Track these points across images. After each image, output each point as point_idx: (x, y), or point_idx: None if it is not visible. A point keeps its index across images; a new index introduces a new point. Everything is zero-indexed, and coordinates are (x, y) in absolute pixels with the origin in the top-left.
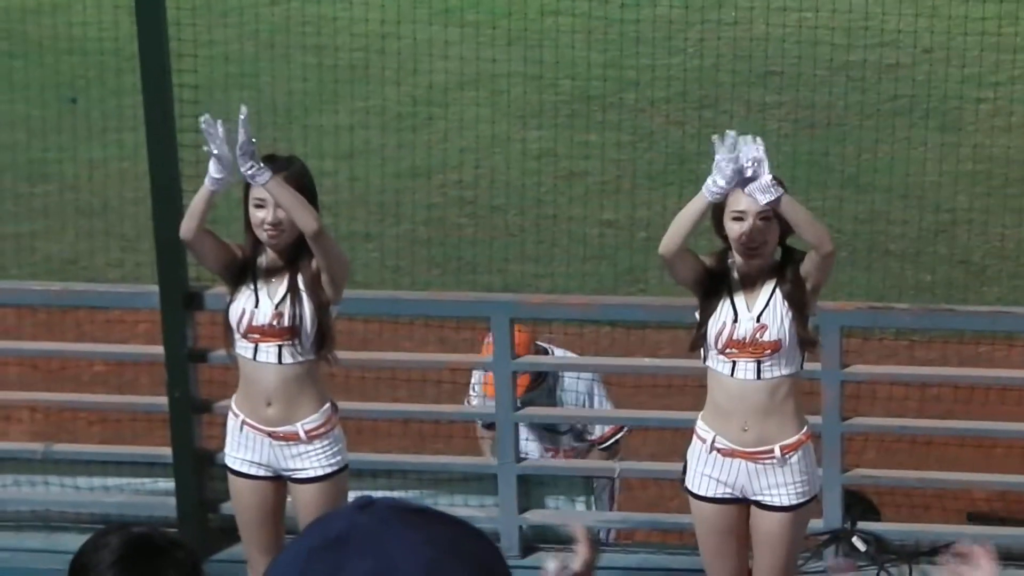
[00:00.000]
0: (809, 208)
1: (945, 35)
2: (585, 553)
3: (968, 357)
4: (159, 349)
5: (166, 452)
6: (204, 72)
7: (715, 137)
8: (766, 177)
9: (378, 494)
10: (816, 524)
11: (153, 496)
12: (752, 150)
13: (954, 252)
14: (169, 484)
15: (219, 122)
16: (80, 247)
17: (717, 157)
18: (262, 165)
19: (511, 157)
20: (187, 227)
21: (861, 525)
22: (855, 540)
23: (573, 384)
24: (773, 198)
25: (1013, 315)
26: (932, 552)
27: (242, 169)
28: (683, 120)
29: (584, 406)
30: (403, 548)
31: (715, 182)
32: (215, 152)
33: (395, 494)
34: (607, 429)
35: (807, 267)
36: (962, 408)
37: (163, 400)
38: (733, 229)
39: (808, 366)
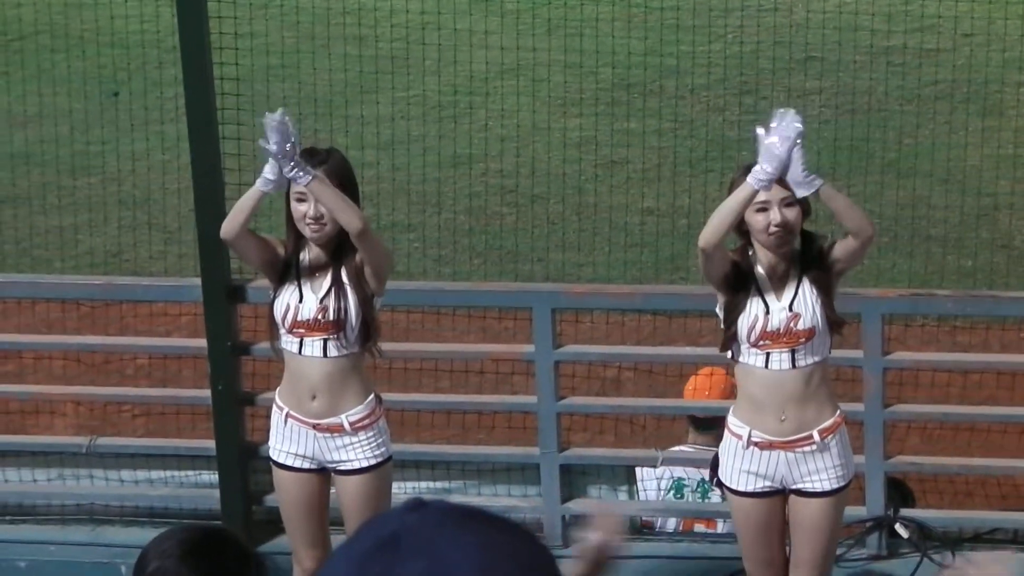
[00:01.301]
0: (850, 194)
1: (985, 19)
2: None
3: (1011, 342)
4: (202, 342)
5: (210, 445)
6: (244, 63)
7: (759, 129)
8: (799, 168)
9: (422, 485)
10: (859, 511)
11: (197, 489)
12: (794, 125)
13: (996, 237)
14: (213, 477)
15: (289, 120)
16: (123, 240)
17: (767, 141)
18: (303, 165)
19: (551, 146)
20: (230, 226)
21: (903, 512)
22: (898, 527)
23: None
24: (813, 190)
25: None
26: (975, 539)
27: (283, 171)
28: (723, 107)
29: None
30: (456, 550)
31: (763, 168)
32: (275, 152)
33: (438, 485)
34: None
35: (839, 252)
36: (1005, 394)
37: (206, 393)
38: (758, 221)
39: (851, 353)
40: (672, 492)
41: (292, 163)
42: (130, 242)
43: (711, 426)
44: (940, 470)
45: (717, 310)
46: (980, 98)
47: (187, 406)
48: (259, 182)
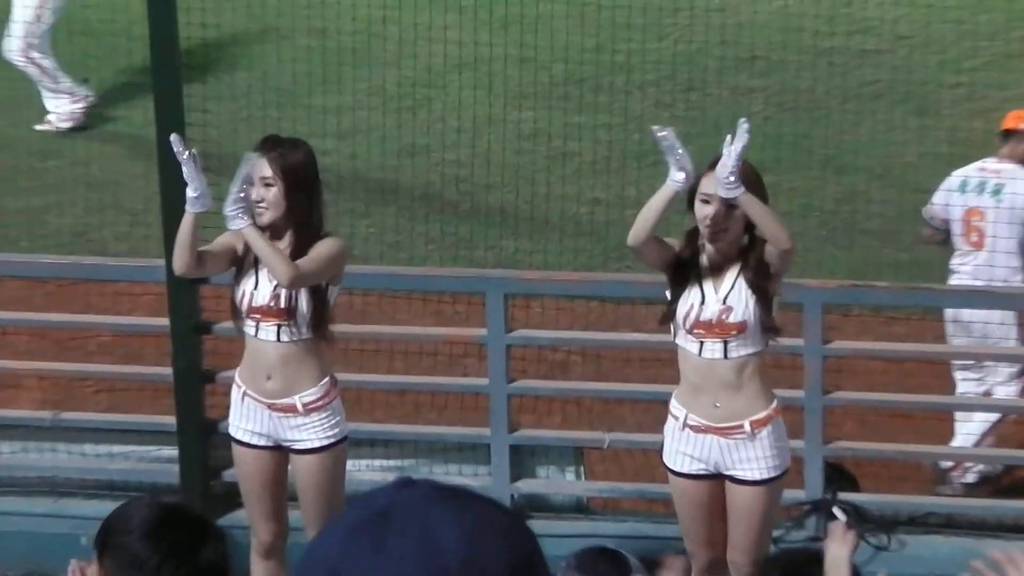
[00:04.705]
0: (790, 188)
1: (922, 23)
2: None
3: (942, 333)
4: (165, 321)
5: (170, 421)
6: (212, 55)
7: (657, 132)
8: (726, 170)
9: (375, 463)
10: (798, 494)
11: (157, 463)
12: (741, 137)
13: None
14: (173, 452)
15: (191, 149)
16: (89, 220)
17: (667, 157)
18: (244, 213)
19: (504, 137)
20: (180, 262)
21: (841, 496)
22: (835, 510)
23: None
24: (731, 195)
25: (988, 293)
26: (910, 522)
27: (226, 210)
28: (669, 103)
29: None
30: (445, 524)
31: (673, 176)
32: (189, 172)
33: (391, 463)
34: None
35: (770, 255)
36: (936, 382)
37: (168, 370)
38: (700, 210)
39: (792, 341)
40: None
41: (241, 205)
42: (96, 223)
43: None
44: (877, 455)
45: (666, 292)
46: (916, 98)
47: (149, 383)
48: (188, 204)
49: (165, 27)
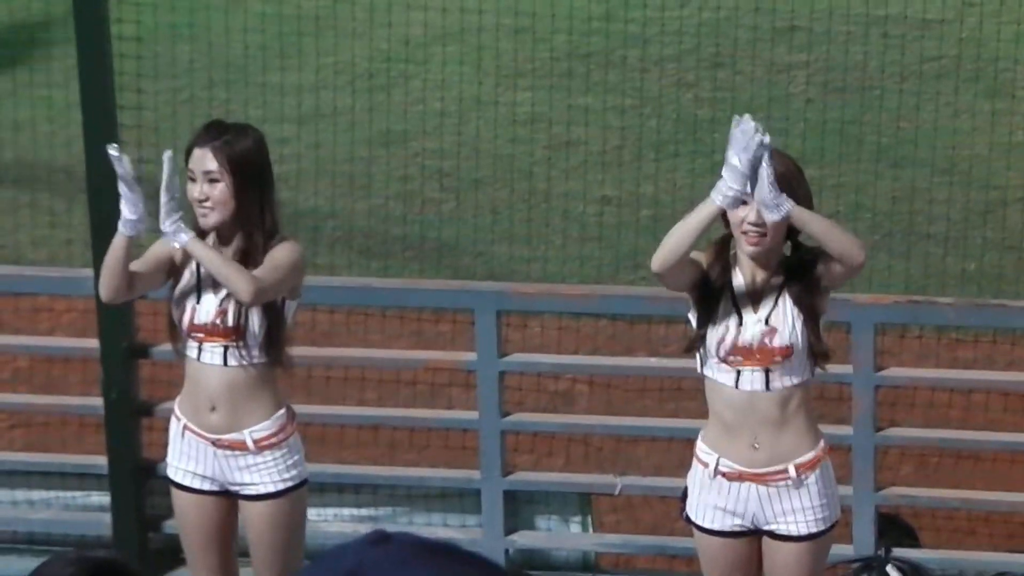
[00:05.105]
0: (837, 184)
1: None
2: None
3: (1019, 358)
4: (93, 342)
5: (101, 461)
6: (146, 21)
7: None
8: (766, 188)
9: (344, 511)
10: (845, 550)
11: (85, 512)
12: (756, 138)
13: (1004, 237)
14: (104, 498)
15: (126, 158)
16: (1, 223)
17: (728, 153)
18: (185, 224)
19: (496, 123)
20: (108, 288)
21: (897, 552)
22: (889, 569)
23: None
24: (782, 214)
25: None
26: None
27: (163, 225)
28: (694, 82)
29: None
30: None
31: (727, 185)
32: (127, 190)
33: (362, 512)
34: None
35: (825, 270)
36: (1012, 418)
37: (97, 401)
38: (736, 214)
39: (838, 368)
40: None
41: (179, 215)
42: (9, 225)
43: None
44: (938, 504)
45: (689, 315)
46: (988, 76)
47: (74, 416)
48: (121, 225)
49: None
